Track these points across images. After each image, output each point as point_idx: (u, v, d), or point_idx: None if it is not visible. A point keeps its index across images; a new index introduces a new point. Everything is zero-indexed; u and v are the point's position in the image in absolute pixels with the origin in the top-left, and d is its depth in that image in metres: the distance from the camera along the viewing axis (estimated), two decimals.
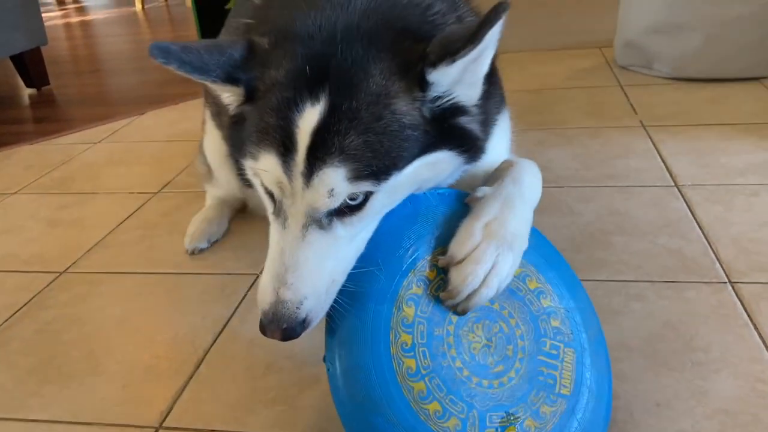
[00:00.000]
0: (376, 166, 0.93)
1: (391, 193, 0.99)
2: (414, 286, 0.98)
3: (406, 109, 0.97)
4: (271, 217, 1.02)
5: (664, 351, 1.31)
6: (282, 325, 0.93)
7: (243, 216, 2.08)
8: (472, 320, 1.01)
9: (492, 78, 1.13)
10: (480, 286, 0.97)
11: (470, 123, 1.04)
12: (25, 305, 1.69)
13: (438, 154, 1.01)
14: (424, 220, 1.06)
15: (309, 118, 0.93)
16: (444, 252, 1.02)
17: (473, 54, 0.92)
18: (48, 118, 3.50)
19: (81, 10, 7.69)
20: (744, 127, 2.39)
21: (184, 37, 5.52)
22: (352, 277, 0.99)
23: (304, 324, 0.94)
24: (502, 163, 1.23)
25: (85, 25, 6.81)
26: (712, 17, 2.80)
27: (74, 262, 1.88)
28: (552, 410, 0.98)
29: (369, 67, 0.95)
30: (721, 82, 2.86)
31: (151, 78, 4.26)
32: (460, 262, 0.98)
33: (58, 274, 1.82)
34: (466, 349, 0.98)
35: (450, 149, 1.02)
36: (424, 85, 0.96)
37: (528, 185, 1.14)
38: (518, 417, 0.95)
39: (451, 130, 1.02)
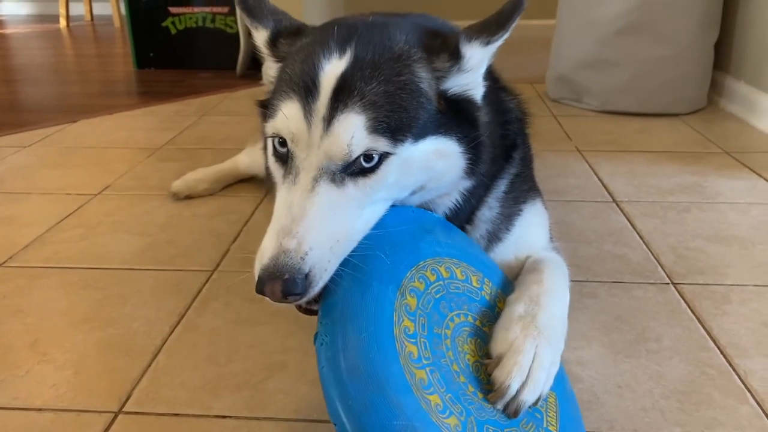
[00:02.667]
0: (394, 122, 0.96)
1: (403, 168, 0.98)
2: (416, 280, 0.97)
3: (423, 75, 1.02)
4: (280, 182, 1.00)
5: (619, 341, 1.37)
6: (284, 275, 0.87)
7: (193, 217, 2.03)
8: (467, 333, 0.99)
9: (524, 157, 1.32)
10: (526, 380, 0.94)
11: (480, 117, 1.09)
12: None
13: (448, 141, 1.03)
14: (429, 230, 1.07)
15: (335, 65, 0.98)
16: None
17: (502, 41, 1.04)
18: None
19: None
20: (670, 155, 2.56)
21: (112, 55, 5.38)
22: (358, 255, 0.95)
23: (307, 279, 0.90)
24: (527, 264, 1.26)
25: (1, 38, 6.53)
26: (638, 55, 3.01)
27: (11, 257, 1.78)
28: None
29: (393, 35, 1.04)
30: (645, 117, 3.06)
31: (80, 90, 4.12)
32: (500, 360, 0.96)
33: None
34: (461, 358, 0.95)
35: (459, 141, 1.04)
36: (456, 56, 1.03)
37: (551, 283, 1.15)
38: None
39: (462, 118, 1.05)
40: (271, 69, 1.13)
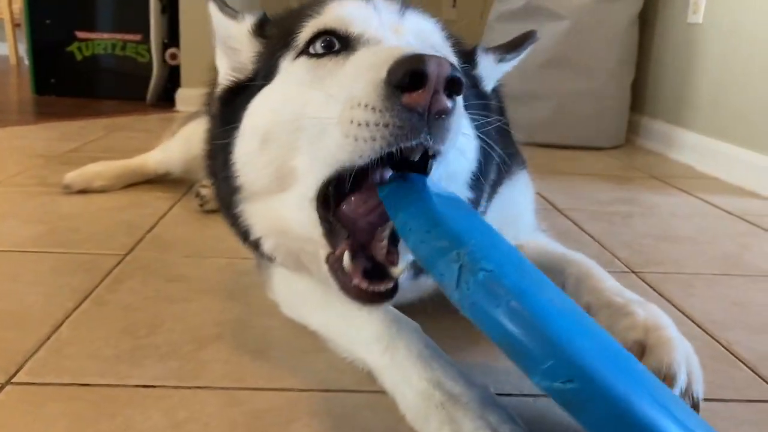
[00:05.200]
0: (455, 50, 0.94)
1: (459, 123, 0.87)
2: None
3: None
4: (319, 64, 0.85)
5: None
6: (442, 60, 0.68)
7: (99, 210, 1.79)
8: None
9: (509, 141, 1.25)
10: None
11: (491, 108, 1.05)
12: None
13: (470, 127, 0.94)
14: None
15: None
16: None
17: (513, 63, 1.07)
18: None
19: None
20: (600, 176, 2.56)
21: (5, 84, 5.00)
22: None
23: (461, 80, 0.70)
24: (560, 260, 1.18)
25: None
26: (561, 88, 3.06)
27: None
28: None
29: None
30: (568, 149, 3.09)
31: None
32: (644, 346, 0.84)
33: None
34: None
35: (475, 133, 0.95)
36: (471, 60, 1.03)
37: (596, 274, 1.10)
38: None
39: (478, 102, 0.98)
40: (248, 49, 1.00)
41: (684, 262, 1.60)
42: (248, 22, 1.02)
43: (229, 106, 0.96)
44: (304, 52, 0.86)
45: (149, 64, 3.97)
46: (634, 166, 2.78)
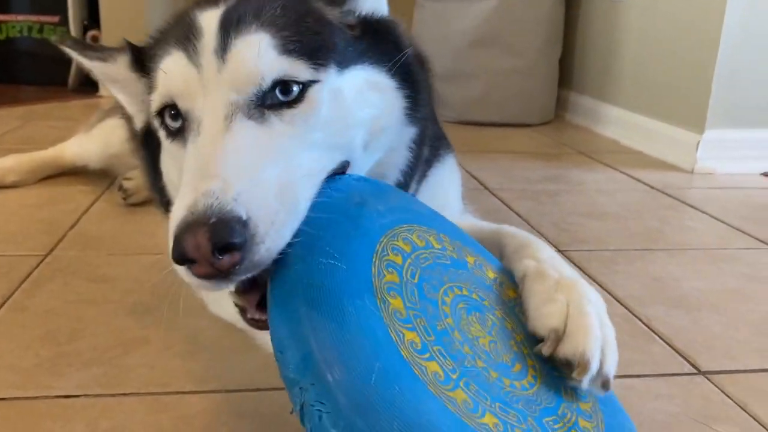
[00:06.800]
0: (308, 43, 0.81)
1: (336, 102, 0.82)
2: (386, 271, 0.74)
3: (321, 6, 0.90)
4: (175, 148, 0.83)
5: None
6: (209, 219, 0.63)
7: (19, 207, 1.72)
8: (463, 311, 0.79)
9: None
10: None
11: (400, 33, 0.97)
12: None
13: (378, 73, 0.89)
14: (360, 202, 0.81)
15: (211, 14, 0.84)
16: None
17: None
18: None
19: None
20: (530, 154, 2.61)
21: None
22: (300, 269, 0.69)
23: (247, 229, 0.64)
24: (495, 234, 1.11)
25: None
26: (491, 66, 3.09)
27: None
28: (591, 406, 0.80)
29: None
30: (499, 127, 3.13)
31: None
32: (560, 335, 0.79)
33: None
34: (479, 348, 0.76)
35: (389, 73, 0.91)
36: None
37: (535, 243, 1.03)
38: (569, 418, 0.76)
39: (383, 41, 0.93)
40: (137, 85, 0.98)
41: (608, 239, 1.66)
42: (123, 59, 0.99)
43: (149, 152, 0.99)
44: (163, 125, 0.85)
45: None
46: (562, 142, 2.85)
